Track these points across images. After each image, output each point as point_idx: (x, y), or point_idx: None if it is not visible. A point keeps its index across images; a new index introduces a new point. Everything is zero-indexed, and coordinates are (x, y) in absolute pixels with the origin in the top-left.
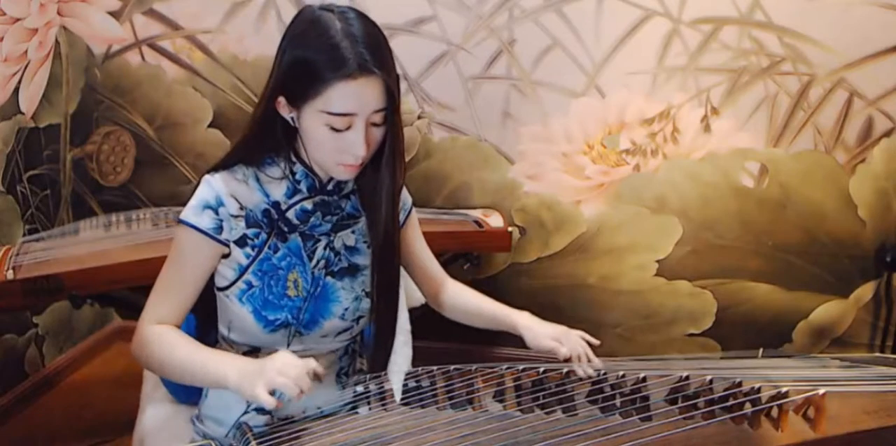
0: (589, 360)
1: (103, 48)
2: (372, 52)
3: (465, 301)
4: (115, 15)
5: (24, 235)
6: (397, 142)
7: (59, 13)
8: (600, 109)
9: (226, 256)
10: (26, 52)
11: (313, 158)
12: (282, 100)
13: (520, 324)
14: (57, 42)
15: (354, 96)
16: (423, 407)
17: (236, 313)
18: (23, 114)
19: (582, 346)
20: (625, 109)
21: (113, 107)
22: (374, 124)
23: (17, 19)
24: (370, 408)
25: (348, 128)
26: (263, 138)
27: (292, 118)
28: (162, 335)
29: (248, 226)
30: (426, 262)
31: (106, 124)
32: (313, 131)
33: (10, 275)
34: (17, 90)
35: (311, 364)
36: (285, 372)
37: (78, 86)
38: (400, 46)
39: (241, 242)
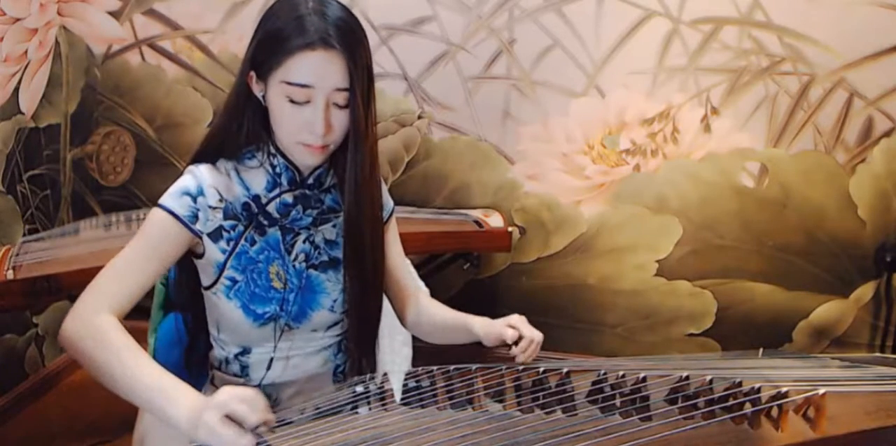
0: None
1: (103, 48)
2: (337, 30)
3: (431, 315)
4: (115, 15)
5: (24, 235)
6: (359, 127)
7: (59, 13)
8: (600, 109)
9: (200, 255)
10: (26, 52)
11: (279, 140)
12: (253, 74)
13: (475, 324)
14: (57, 42)
15: (313, 67)
16: (423, 407)
17: (224, 310)
18: (23, 114)
19: (537, 335)
20: (625, 109)
21: (113, 107)
22: (338, 105)
23: (17, 19)
24: (370, 408)
25: (308, 102)
26: (239, 119)
27: (263, 96)
28: (123, 336)
29: (226, 218)
30: (397, 271)
31: (106, 124)
32: (275, 105)
33: (10, 275)
34: (17, 90)
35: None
36: (235, 401)
37: (78, 86)
38: (400, 46)
39: (216, 235)
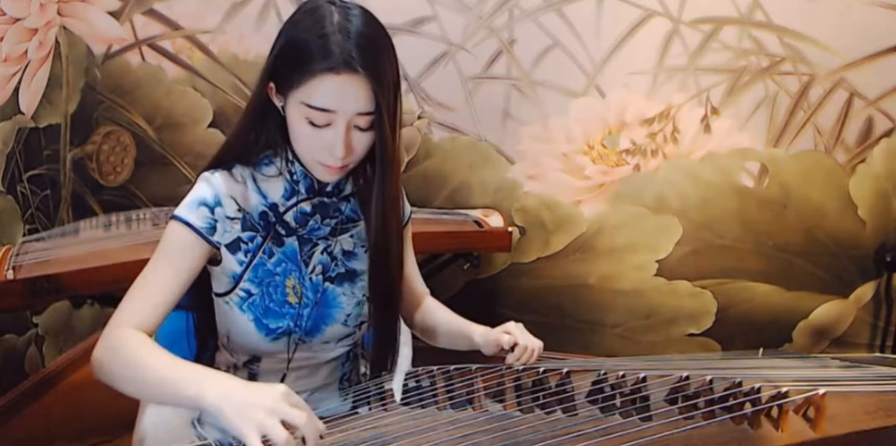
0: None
1: (103, 48)
2: (362, 50)
3: (436, 319)
4: (115, 15)
5: (24, 235)
6: (387, 150)
7: (59, 13)
8: (600, 109)
9: (217, 263)
10: (26, 52)
11: (297, 154)
12: (272, 86)
13: (475, 333)
14: (57, 42)
15: (335, 92)
16: (423, 407)
17: (236, 321)
18: (23, 114)
19: (533, 342)
20: (625, 109)
21: (113, 107)
22: (359, 128)
23: (17, 19)
24: (370, 408)
25: (328, 125)
26: (257, 128)
27: (282, 107)
28: (140, 341)
29: (244, 229)
30: (409, 277)
31: (106, 124)
32: (294, 124)
33: (10, 275)
34: (17, 90)
35: (306, 411)
36: (281, 414)
37: (78, 86)
38: (400, 46)
39: (234, 247)
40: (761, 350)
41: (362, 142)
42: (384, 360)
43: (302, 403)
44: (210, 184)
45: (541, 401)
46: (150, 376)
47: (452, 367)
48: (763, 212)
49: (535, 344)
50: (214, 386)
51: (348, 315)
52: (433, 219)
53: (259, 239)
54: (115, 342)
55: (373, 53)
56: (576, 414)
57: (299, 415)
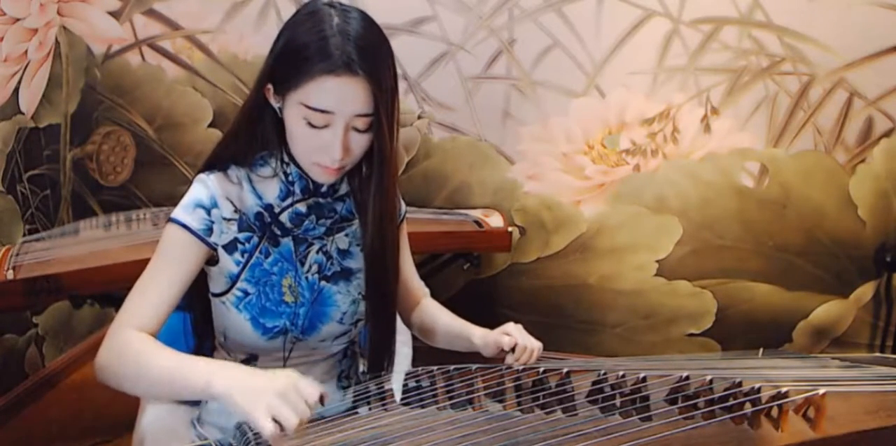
0: (529, 359)
1: (103, 48)
2: (361, 53)
3: (434, 320)
4: (115, 15)
5: (24, 235)
6: (385, 152)
7: (59, 13)
8: (600, 109)
9: (214, 263)
10: (26, 52)
11: (294, 155)
12: (270, 87)
13: (474, 334)
14: (57, 42)
15: (334, 94)
16: (423, 407)
17: (233, 320)
18: (23, 114)
19: (532, 343)
20: (625, 109)
21: (113, 107)
22: (357, 129)
23: (17, 19)
24: (370, 408)
25: (326, 126)
26: (253, 129)
27: (279, 108)
28: (144, 341)
29: (241, 230)
30: (406, 273)
31: (106, 124)
32: (292, 125)
33: (10, 275)
34: (17, 90)
35: (317, 392)
36: (289, 398)
37: (78, 86)
38: (400, 46)
39: (231, 247)
40: (761, 350)
41: (360, 143)
42: (381, 358)
43: (308, 388)
44: (206, 186)
45: (541, 401)
46: (158, 373)
47: (452, 367)
48: (763, 212)
49: (535, 344)
50: (222, 375)
51: (344, 313)
52: (433, 219)
53: (255, 239)
54: (119, 344)
55: (372, 56)
56: (576, 414)
57: (287, 414)
